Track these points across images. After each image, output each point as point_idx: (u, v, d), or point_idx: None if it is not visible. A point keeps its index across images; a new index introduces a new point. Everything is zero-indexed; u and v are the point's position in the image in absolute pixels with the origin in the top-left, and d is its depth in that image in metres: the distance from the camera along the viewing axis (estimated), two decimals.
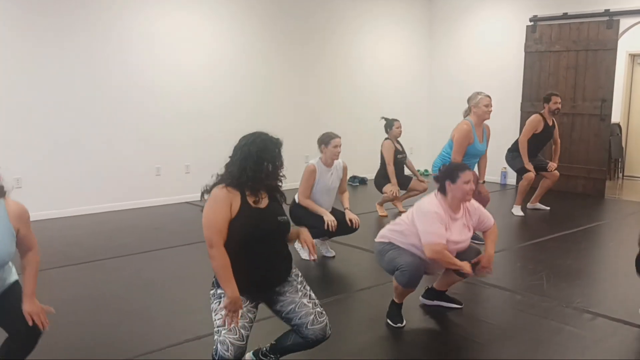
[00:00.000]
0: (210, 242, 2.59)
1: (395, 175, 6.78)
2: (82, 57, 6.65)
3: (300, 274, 2.92)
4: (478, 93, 5.54)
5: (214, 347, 2.58)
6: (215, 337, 2.59)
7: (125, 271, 4.84)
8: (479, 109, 5.44)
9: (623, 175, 10.18)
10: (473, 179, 3.58)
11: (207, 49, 7.69)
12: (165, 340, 3.44)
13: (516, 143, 7.08)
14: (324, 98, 9.00)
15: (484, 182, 5.60)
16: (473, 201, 3.73)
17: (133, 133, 7.12)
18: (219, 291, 2.71)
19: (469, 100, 5.60)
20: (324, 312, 2.84)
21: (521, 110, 9.01)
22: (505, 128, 8.71)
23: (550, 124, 6.98)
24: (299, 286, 2.85)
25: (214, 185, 2.72)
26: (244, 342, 2.58)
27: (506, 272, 5.02)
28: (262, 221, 2.69)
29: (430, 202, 3.58)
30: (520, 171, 7.02)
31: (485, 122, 5.67)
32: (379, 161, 6.96)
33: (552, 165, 7.05)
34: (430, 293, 4.05)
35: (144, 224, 6.50)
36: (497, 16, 9.40)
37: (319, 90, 8.96)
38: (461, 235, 3.61)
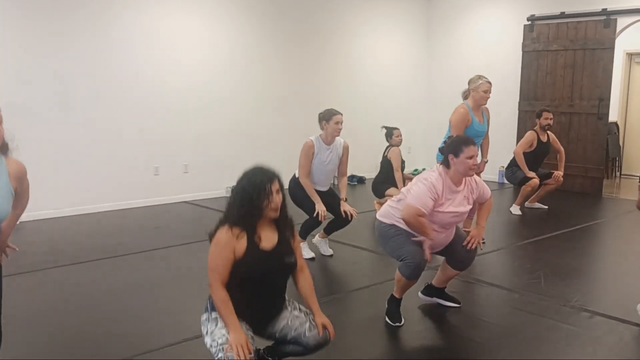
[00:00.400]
0: (210, 282, 2.62)
1: (393, 180, 6.75)
2: (79, 57, 6.65)
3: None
4: (479, 77, 5.51)
5: None
6: (219, 355, 2.52)
7: (123, 270, 4.84)
8: (477, 93, 5.41)
9: (620, 174, 10.21)
10: (477, 152, 3.57)
11: (206, 49, 7.69)
12: (163, 340, 3.44)
13: (513, 159, 7.15)
14: (322, 98, 8.98)
15: (487, 160, 5.60)
16: (476, 177, 3.73)
17: (131, 132, 7.12)
18: (214, 315, 2.66)
19: (469, 83, 5.56)
20: None
21: (519, 109, 9.03)
22: (503, 127, 8.73)
23: (545, 140, 7.08)
24: (286, 303, 2.86)
25: (217, 227, 2.71)
26: (252, 356, 2.55)
27: (504, 270, 5.04)
28: (267, 264, 2.67)
29: (431, 173, 3.58)
30: (523, 181, 7.03)
31: (485, 105, 5.64)
32: (379, 167, 6.95)
33: (558, 173, 7.08)
34: (429, 289, 4.06)
35: (143, 223, 6.50)
36: (495, 15, 9.42)
37: (317, 91, 8.96)
38: (459, 207, 3.60)
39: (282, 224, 2.79)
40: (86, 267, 4.91)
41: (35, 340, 3.47)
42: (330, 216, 5.08)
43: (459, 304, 4.01)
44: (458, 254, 3.78)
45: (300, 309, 2.86)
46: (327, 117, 5.01)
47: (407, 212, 3.46)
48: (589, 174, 8.44)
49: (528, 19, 8.83)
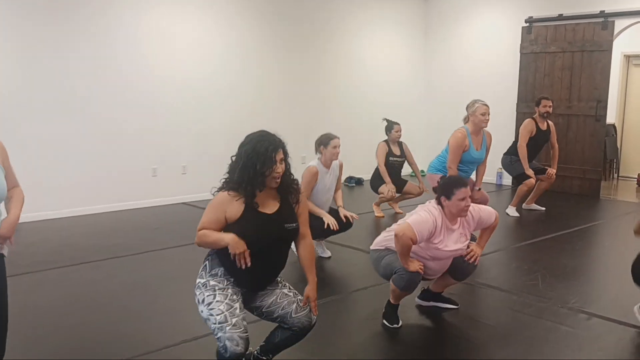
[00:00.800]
0: (200, 225, 2.65)
1: (390, 178, 6.80)
2: (78, 59, 6.65)
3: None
4: (475, 101, 5.52)
5: (221, 345, 2.54)
6: (219, 334, 2.53)
7: (122, 272, 4.84)
8: (475, 117, 5.44)
9: (618, 176, 10.23)
10: (470, 193, 3.57)
11: (204, 51, 7.69)
12: (162, 341, 3.44)
13: (513, 147, 7.12)
14: (321, 99, 9.01)
15: (479, 189, 5.60)
16: (473, 207, 3.73)
17: (129, 134, 7.12)
18: (211, 282, 2.65)
19: (467, 108, 5.60)
20: None
21: (517, 111, 9.05)
22: (501, 129, 8.71)
23: (544, 128, 7.02)
24: (278, 279, 2.86)
25: (220, 188, 2.72)
26: (248, 334, 2.58)
27: (502, 272, 5.05)
28: (265, 227, 2.65)
29: (432, 207, 3.59)
30: (519, 177, 7.02)
31: (487, 130, 5.66)
32: (376, 163, 6.97)
33: (551, 171, 7.08)
34: (426, 294, 4.06)
35: (141, 224, 6.50)
36: (493, 17, 9.44)
37: (316, 92, 8.97)
38: (457, 244, 3.63)
39: (285, 190, 2.76)
40: (85, 268, 4.91)
41: (33, 341, 3.47)
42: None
43: (457, 305, 4.02)
44: (458, 265, 3.78)
45: (290, 288, 2.86)
46: (325, 142, 5.02)
47: (403, 230, 3.42)
48: (586, 175, 8.46)
49: (526, 21, 8.85)
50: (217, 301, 2.59)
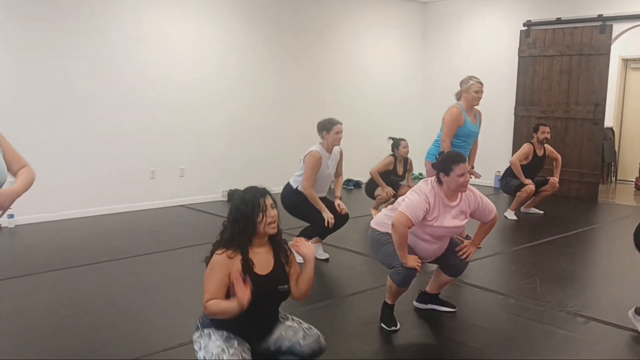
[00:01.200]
0: (204, 301, 2.62)
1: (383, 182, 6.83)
2: (76, 60, 6.64)
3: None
4: (470, 78, 5.56)
5: None
6: None
7: (120, 274, 4.83)
8: (469, 94, 5.46)
9: (616, 179, 10.24)
10: (468, 168, 3.58)
11: (203, 53, 7.69)
12: (159, 344, 3.43)
13: (509, 169, 7.20)
14: (320, 101, 9.00)
15: (472, 167, 5.63)
16: (475, 190, 3.72)
17: (127, 136, 7.11)
18: (206, 331, 2.69)
19: (461, 84, 5.62)
20: (311, 326, 2.87)
21: (515, 114, 9.06)
22: (499, 132, 8.75)
23: (541, 154, 7.12)
24: (279, 316, 2.88)
25: (213, 250, 2.72)
26: None
27: (500, 275, 5.05)
28: (260, 289, 2.64)
29: (425, 185, 3.59)
30: (518, 188, 7.06)
31: (477, 108, 5.67)
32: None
33: (554, 180, 7.11)
34: (423, 297, 4.06)
35: (139, 227, 6.49)
36: (491, 20, 9.45)
37: (314, 96, 8.97)
38: (454, 221, 3.60)
39: (277, 246, 2.79)
40: (82, 270, 4.90)
41: (30, 343, 3.45)
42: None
43: (455, 308, 4.01)
44: (451, 261, 3.80)
45: (292, 319, 2.88)
46: (328, 127, 5.02)
47: (398, 218, 3.46)
48: (584, 179, 8.47)
49: (524, 25, 8.86)
50: (213, 341, 2.63)
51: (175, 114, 7.49)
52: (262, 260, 2.72)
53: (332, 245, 5.52)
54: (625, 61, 9.96)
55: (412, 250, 3.63)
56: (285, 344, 2.77)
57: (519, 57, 8.92)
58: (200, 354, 2.66)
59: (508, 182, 7.23)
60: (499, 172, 9.13)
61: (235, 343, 2.65)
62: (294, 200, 5.01)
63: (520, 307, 4.12)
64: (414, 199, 3.52)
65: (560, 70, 8.57)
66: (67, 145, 6.65)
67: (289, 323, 2.84)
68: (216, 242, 2.75)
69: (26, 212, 6.23)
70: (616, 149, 10.19)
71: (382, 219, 3.77)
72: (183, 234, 6.11)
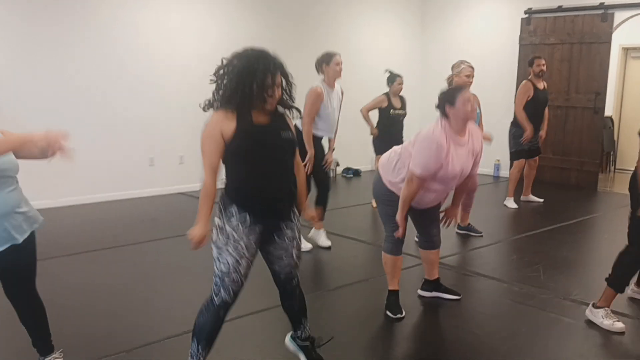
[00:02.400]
0: (204, 170, 2.53)
1: (392, 135, 6.48)
2: (75, 48, 6.58)
3: (297, 214, 2.82)
4: (462, 62, 5.47)
5: (216, 292, 2.60)
6: (218, 281, 2.59)
7: (120, 263, 4.80)
8: (459, 78, 5.37)
9: (615, 168, 10.23)
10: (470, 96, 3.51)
11: (201, 39, 7.62)
12: (164, 332, 3.42)
13: (516, 118, 6.93)
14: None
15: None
16: (476, 128, 3.65)
17: (126, 124, 7.05)
18: (227, 228, 2.54)
19: (452, 68, 5.55)
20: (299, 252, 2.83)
21: (515, 102, 9.00)
22: (498, 120, 8.69)
23: (541, 88, 6.85)
24: (296, 231, 2.77)
25: (205, 107, 2.69)
26: (242, 288, 2.65)
27: (502, 263, 5.04)
28: (262, 137, 2.53)
29: (435, 129, 3.44)
30: (513, 155, 6.97)
31: (473, 92, 5.56)
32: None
33: (542, 134, 6.97)
34: (427, 285, 4.06)
35: (139, 214, 6.46)
36: (492, 8, 9.38)
37: (313, 82, 8.89)
38: (466, 163, 3.52)
39: (283, 105, 2.67)
40: (82, 258, 4.87)
41: None
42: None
43: (459, 295, 4.01)
44: (427, 228, 3.85)
45: (298, 246, 2.81)
46: (327, 60, 4.95)
47: (409, 181, 3.40)
48: (584, 167, 8.45)
49: (525, 12, 8.80)
50: (228, 252, 2.56)
51: (174, 101, 7.42)
52: (258, 114, 2.56)
53: (335, 233, 5.51)
54: (626, 50, 9.91)
55: (416, 200, 3.54)
56: (275, 267, 2.77)
57: (520, 45, 8.87)
58: (214, 253, 2.59)
59: (514, 137, 6.90)
60: (498, 160, 9.14)
61: (247, 252, 2.58)
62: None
63: (525, 295, 4.12)
64: (422, 151, 3.38)
65: (561, 58, 8.52)
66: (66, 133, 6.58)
67: (293, 234, 2.74)
68: (209, 102, 2.65)
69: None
70: (615, 138, 10.18)
71: (390, 167, 3.65)
72: (183, 222, 6.04)
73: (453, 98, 3.44)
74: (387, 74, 6.77)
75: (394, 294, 3.78)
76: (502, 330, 3.56)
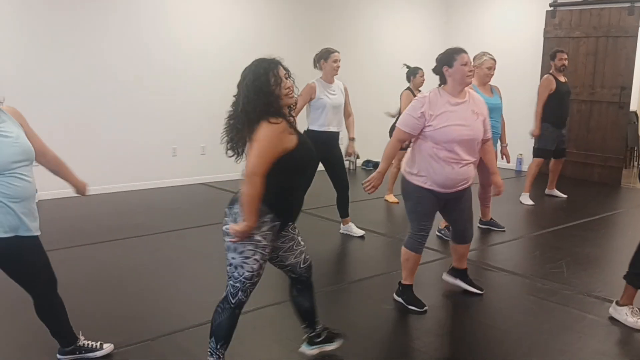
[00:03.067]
0: (255, 172, 2.49)
1: None
2: (98, 36, 6.63)
3: None
4: (484, 53, 5.38)
5: (233, 294, 2.65)
6: (238, 285, 2.63)
7: (143, 251, 4.85)
8: (481, 69, 5.27)
9: (639, 164, 10.10)
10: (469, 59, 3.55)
11: (224, 30, 7.64)
12: (187, 321, 3.45)
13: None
14: (340, 80, 8.92)
15: (506, 144, 5.83)
16: (477, 95, 3.66)
17: (149, 114, 7.11)
18: (257, 236, 2.57)
19: (474, 59, 5.47)
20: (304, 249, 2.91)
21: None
22: (522, 113, 8.61)
23: (563, 80, 6.76)
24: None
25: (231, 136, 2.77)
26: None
27: (525, 259, 5.01)
28: (313, 154, 2.76)
29: (419, 95, 3.60)
30: (536, 151, 6.88)
31: (494, 84, 5.52)
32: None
33: (535, 132, 6.85)
34: (454, 272, 4.08)
35: (161, 204, 6.52)
36: (517, 1, 9.28)
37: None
38: (468, 120, 3.47)
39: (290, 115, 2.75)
40: (104, 246, 4.94)
41: None
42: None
43: (482, 291, 3.99)
44: (458, 224, 3.82)
45: (300, 236, 2.91)
46: (325, 56, 4.99)
47: (391, 141, 3.67)
48: (607, 163, 8.35)
49: (550, 5, 8.69)
50: (255, 260, 2.60)
51: (197, 92, 7.47)
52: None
53: (358, 227, 5.50)
54: None
55: (441, 180, 3.51)
56: (290, 259, 2.82)
57: (545, 38, 8.77)
58: (232, 257, 2.61)
59: (542, 133, 6.78)
60: (521, 154, 9.06)
61: (269, 255, 2.68)
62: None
63: (547, 291, 4.09)
64: (407, 109, 3.54)
65: (586, 52, 8.41)
66: (89, 122, 6.66)
67: (300, 239, 2.88)
68: (235, 119, 2.74)
69: (48, 187, 6.24)
70: (639, 133, 10.03)
71: (407, 158, 3.76)
72: (204, 212, 6.12)
73: (451, 59, 3.47)
74: (405, 69, 6.71)
75: (410, 288, 3.78)
76: (524, 326, 3.54)
